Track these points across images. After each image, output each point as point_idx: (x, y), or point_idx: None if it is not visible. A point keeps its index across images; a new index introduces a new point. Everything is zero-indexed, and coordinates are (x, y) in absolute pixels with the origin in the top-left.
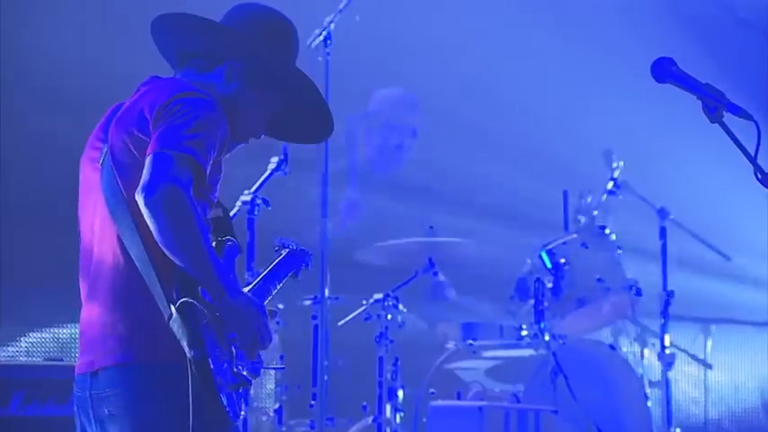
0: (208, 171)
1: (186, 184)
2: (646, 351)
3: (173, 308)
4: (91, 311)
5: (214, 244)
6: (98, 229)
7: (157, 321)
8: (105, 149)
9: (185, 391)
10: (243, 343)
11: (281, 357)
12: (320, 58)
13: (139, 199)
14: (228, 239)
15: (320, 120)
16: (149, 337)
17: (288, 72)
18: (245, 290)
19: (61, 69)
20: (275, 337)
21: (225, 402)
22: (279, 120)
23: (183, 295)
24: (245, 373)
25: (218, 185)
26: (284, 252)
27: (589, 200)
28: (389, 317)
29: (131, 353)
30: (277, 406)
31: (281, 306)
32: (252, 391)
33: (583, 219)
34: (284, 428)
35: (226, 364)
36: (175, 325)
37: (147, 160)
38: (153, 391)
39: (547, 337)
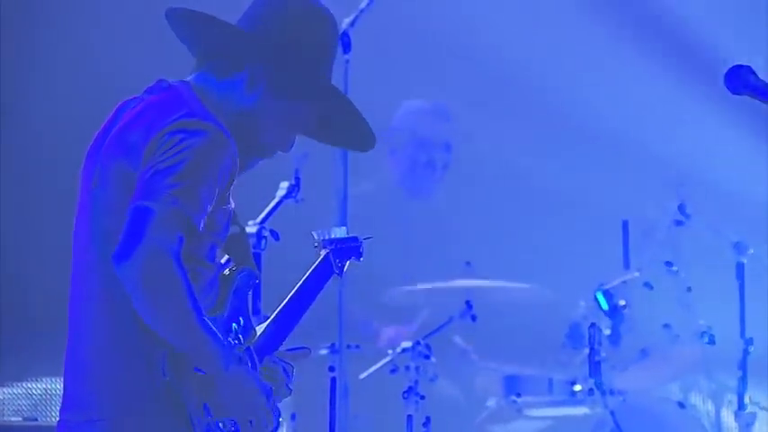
0: (201, 223)
1: (171, 246)
2: (722, 410)
3: (158, 384)
4: (73, 362)
5: (227, 272)
6: (85, 268)
7: (146, 392)
8: (98, 171)
9: None
10: (242, 427)
11: (293, 417)
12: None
13: (115, 264)
14: (242, 270)
15: (359, 130)
16: (136, 408)
17: (318, 81)
18: (262, 326)
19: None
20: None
21: None
22: (316, 125)
23: (170, 368)
24: None
25: (228, 222)
26: (323, 253)
27: (653, 232)
28: (420, 369)
29: (116, 426)
30: None
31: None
32: None
33: (646, 253)
34: None
35: None
36: (162, 404)
37: (128, 214)
38: None
39: (604, 394)
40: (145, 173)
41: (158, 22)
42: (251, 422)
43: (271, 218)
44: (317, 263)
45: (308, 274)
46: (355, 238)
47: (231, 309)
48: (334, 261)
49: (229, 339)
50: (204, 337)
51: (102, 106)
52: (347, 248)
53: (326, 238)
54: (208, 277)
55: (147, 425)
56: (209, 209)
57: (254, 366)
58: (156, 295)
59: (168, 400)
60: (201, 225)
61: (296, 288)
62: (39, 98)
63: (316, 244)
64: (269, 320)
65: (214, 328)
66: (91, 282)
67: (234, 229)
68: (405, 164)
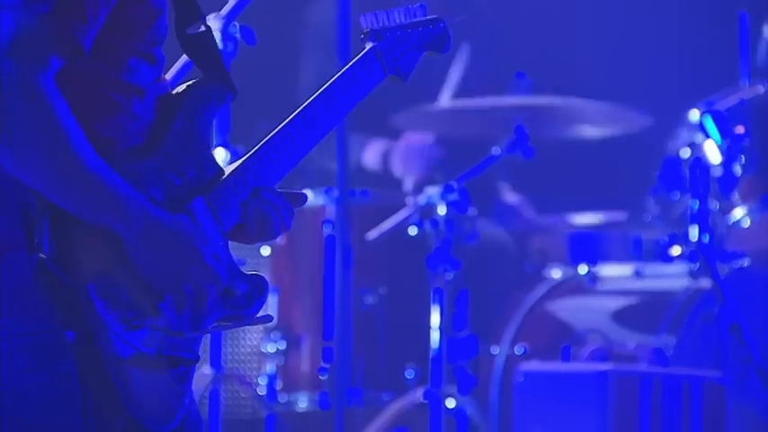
0: (86, 33)
1: (37, 71)
2: None
3: (38, 258)
4: None
5: (182, 89)
6: None
7: (21, 276)
8: None
9: (72, 372)
10: (176, 303)
11: (275, 291)
12: None
13: None
14: (203, 84)
15: None
16: (20, 288)
17: None
18: (237, 162)
19: None
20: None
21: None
22: None
23: (54, 235)
24: (194, 354)
25: (161, 21)
26: (368, 46)
27: None
28: (452, 224)
29: None
30: (268, 372)
31: None
32: (226, 349)
33: None
34: (278, 406)
35: (141, 339)
36: (36, 296)
37: None
38: (30, 371)
39: (712, 259)
40: None
41: None
42: (187, 289)
43: (242, 11)
44: (358, 57)
45: (342, 72)
46: (439, 21)
47: (176, 139)
48: (397, 58)
49: (167, 179)
50: (97, 184)
51: None
52: (425, 37)
53: (386, 25)
54: (131, 105)
55: (39, 304)
56: (108, 10)
57: (209, 222)
58: (18, 136)
59: (47, 286)
60: (89, 38)
61: (318, 94)
62: None
63: (364, 33)
64: (264, 142)
65: (124, 173)
66: None
67: (191, 26)
68: None
